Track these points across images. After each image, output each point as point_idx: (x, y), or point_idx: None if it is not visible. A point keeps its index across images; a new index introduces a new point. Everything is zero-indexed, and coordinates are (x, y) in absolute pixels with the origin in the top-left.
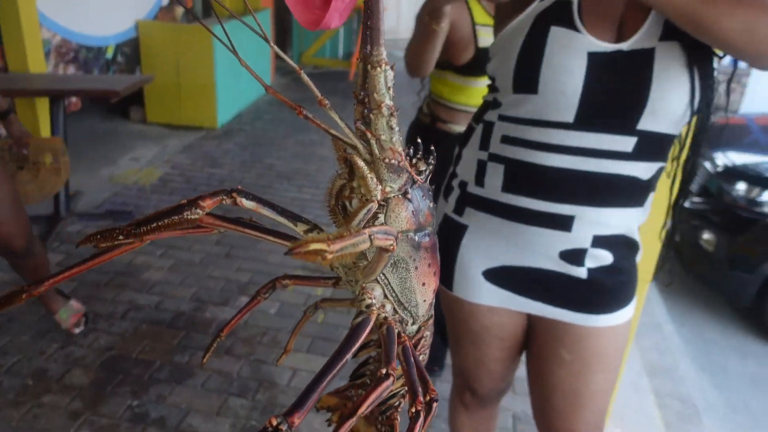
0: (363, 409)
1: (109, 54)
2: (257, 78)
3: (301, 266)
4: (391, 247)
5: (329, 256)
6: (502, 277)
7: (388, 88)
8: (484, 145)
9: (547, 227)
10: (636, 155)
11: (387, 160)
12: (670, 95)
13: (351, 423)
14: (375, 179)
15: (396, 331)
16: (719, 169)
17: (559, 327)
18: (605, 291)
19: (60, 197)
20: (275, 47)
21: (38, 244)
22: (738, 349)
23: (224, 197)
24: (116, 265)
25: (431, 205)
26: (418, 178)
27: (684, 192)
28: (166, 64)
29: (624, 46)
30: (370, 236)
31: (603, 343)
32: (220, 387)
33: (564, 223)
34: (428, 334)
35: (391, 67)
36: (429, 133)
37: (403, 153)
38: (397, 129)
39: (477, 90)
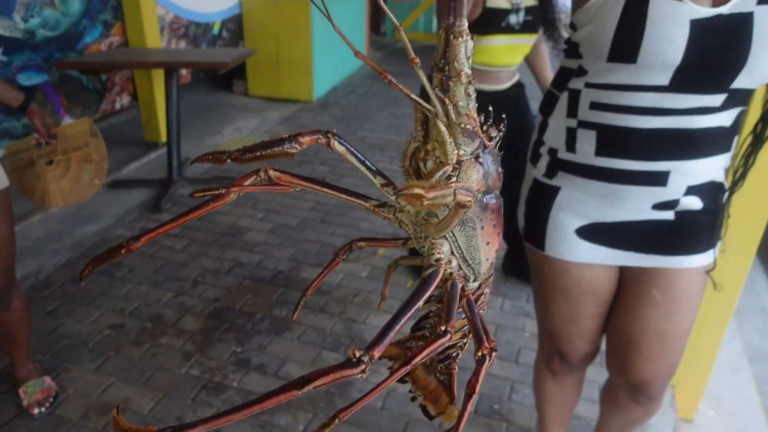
0: (417, 361)
1: (216, 30)
2: (347, 42)
3: (383, 232)
4: (469, 203)
5: (425, 202)
6: (595, 233)
7: (468, 58)
8: (572, 112)
9: (643, 185)
10: (723, 107)
11: (463, 125)
12: (767, 57)
13: (404, 371)
14: (452, 143)
15: (460, 286)
16: None
17: (651, 271)
18: (692, 233)
19: (173, 163)
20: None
21: (21, 297)
22: None
23: (320, 136)
24: (221, 226)
25: (500, 169)
26: (489, 143)
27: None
28: (267, 38)
29: (724, 9)
30: (455, 190)
31: (691, 284)
32: (314, 341)
33: (660, 179)
34: (488, 291)
35: (472, 38)
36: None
37: (477, 119)
38: (474, 96)
39: (482, 48)
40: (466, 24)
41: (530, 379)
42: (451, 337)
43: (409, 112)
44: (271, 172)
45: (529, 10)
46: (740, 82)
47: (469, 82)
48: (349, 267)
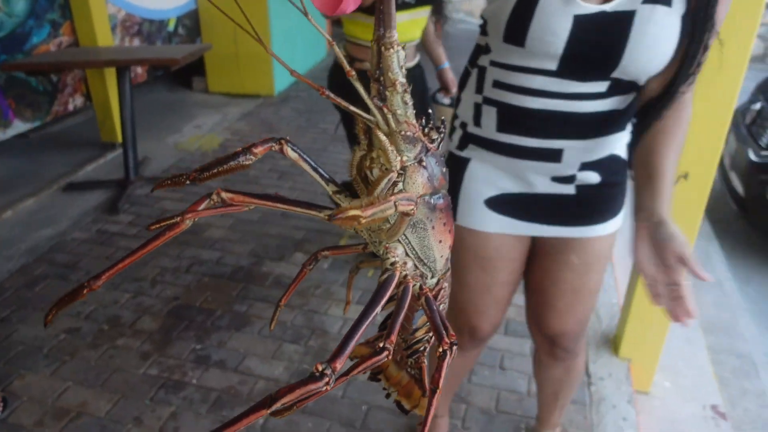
0: (353, 374)
1: (171, 26)
2: (282, 63)
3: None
4: (412, 212)
5: (363, 221)
6: (503, 204)
7: (401, 67)
8: (479, 88)
9: (539, 161)
10: (610, 94)
11: (403, 133)
12: (643, 56)
13: (342, 381)
14: (394, 151)
15: (414, 288)
16: None
17: (566, 240)
18: (596, 204)
19: (129, 163)
20: (312, 20)
21: None
22: None
23: (273, 144)
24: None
25: (444, 170)
26: (431, 146)
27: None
28: (225, 34)
29: (607, 7)
30: (395, 203)
31: (603, 248)
32: (275, 334)
33: (554, 156)
34: (446, 285)
35: (402, 48)
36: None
37: (417, 125)
38: (410, 103)
39: None
40: (396, 35)
41: (490, 361)
42: (389, 354)
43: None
44: (224, 194)
45: None
46: (619, 74)
47: (405, 91)
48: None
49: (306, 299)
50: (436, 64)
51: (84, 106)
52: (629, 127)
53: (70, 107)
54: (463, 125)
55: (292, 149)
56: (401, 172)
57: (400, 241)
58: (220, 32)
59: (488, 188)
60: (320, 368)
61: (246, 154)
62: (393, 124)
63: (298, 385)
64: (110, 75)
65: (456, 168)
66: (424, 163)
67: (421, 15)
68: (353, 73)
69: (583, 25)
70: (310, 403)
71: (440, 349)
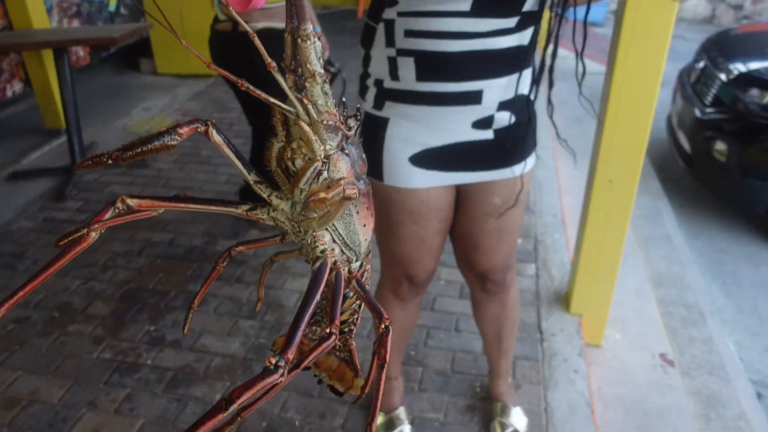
0: (307, 362)
1: (112, 6)
2: (197, 56)
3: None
4: (355, 196)
5: (327, 203)
6: (426, 159)
7: (319, 58)
8: (390, 42)
9: (461, 104)
10: (518, 28)
11: (325, 122)
12: None
13: (297, 372)
14: (318, 140)
15: (343, 279)
16: (732, 77)
17: (488, 184)
18: (513, 145)
19: (75, 149)
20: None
21: None
22: (751, 258)
23: (199, 126)
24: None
25: (363, 156)
26: (350, 133)
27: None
28: (169, 13)
29: None
30: (344, 187)
31: (519, 186)
32: (230, 311)
33: (475, 98)
34: (369, 267)
35: (318, 38)
36: (231, 38)
37: (336, 114)
38: (330, 93)
39: None
40: (311, 27)
41: (446, 324)
42: (336, 338)
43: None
44: (129, 201)
45: None
46: (527, 6)
47: (324, 81)
48: (264, 236)
49: (260, 275)
50: None
51: (24, 92)
52: (531, 67)
53: (9, 93)
54: (378, 82)
55: (217, 133)
56: (325, 160)
57: (327, 229)
58: (165, 11)
59: (410, 146)
60: (273, 361)
61: (171, 135)
62: (314, 115)
63: (254, 381)
64: (48, 58)
65: (375, 128)
66: (346, 151)
67: None
68: (274, 65)
69: None
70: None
71: (382, 326)
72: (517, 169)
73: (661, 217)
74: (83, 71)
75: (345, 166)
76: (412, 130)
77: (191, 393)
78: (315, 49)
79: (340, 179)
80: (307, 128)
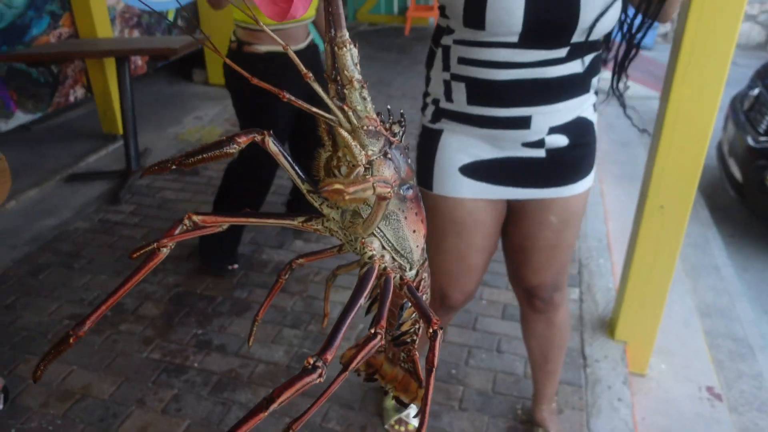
0: (355, 365)
1: (171, 18)
2: (238, 69)
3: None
4: (389, 194)
5: (347, 197)
6: (477, 170)
7: (356, 64)
8: (446, 66)
9: (509, 129)
10: (570, 58)
11: (365, 128)
12: (594, 16)
13: (344, 377)
14: (358, 146)
15: (395, 279)
16: None
17: (544, 202)
18: (566, 165)
19: (130, 154)
20: (267, 30)
21: None
22: None
23: (256, 135)
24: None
25: (409, 161)
26: (394, 139)
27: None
28: (224, 26)
29: None
30: (373, 184)
31: (577, 205)
32: (275, 319)
33: (524, 123)
34: (426, 275)
35: (355, 45)
36: (239, 57)
37: (377, 119)
38: (369, 99)
39: None
40: (347, 34)
41: (487, 344)
42: (382, 338)
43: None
44: (195, 218)
45: None
46: (576, 38)
47: (362, 87)
48: (309, 246)
49: (305, 285)
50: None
51: (85, 97)
52: (593, 89)
53: (72, 99)
54: (435, 101)
55: (273, 143)
56: (368, 166)
57: (375, 235)
58: (220, 24)
59: (462, 156)
60: (311, 361)
61: (230, 144)
62: (354, 121)
63: (293, 381)
64: (110, 66)
65: (429, 139)
66: (389, 156)
67: None
68: (310, 75)
69: (535, 0)
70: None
71: (430, 330)
72: (573, 189)
73: (710, 246)
74: (139, 79)
75: (389, 171)
76: (465, 142)
77: (236, 397)
78: (351, 56)
79: (367, 177)
80: (345, 134)
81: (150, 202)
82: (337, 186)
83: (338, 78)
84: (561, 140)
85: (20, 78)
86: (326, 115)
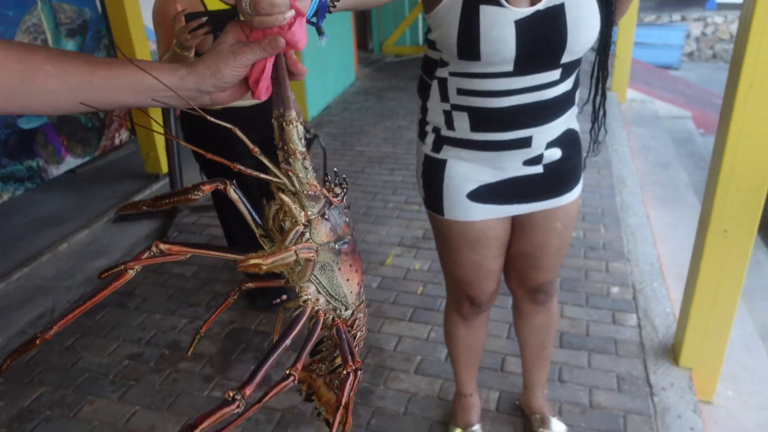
0: (266, 400)
1: None
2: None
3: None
4: (313, 258)
5: (264, 268)
6: (483, 194)
7: (300, 139)
8: (444, 97)
9: (512, 149)
10: (562, 79)
11: (306, 192)
12: (582, 36)
13: (248, 414)
14: (299, 207)
15: (320, 326)
16: None
17: (549, 211)
18: (560, 177)
19: None
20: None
21: None
22: None
23: (219, 184)
24: None
25: (347, 219)
26: (334, 200)
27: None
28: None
29: (540, 6)
30: (295, 252)
31: (575, 209)
32: None
33: (525, 143)
34: (362, 315)
35: (300, 123)
36: (193, 115)
37: (317, 185)
38: (310, 168)
39: None
40: (294, 113)
41: (554, 376)
42: (295, 379)
43: (404, 123)
44: (162, 246)
45: None
46: (567, 58)
47: (305, 158)
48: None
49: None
50: None
51: (128, 140)
52: (577, 100)
53: (117, 141)
54: (436, 129)
55: (234, 191)
56: (306, 224)
57: (311, 281)
58: None
59: (468, 183)
60: (231, 394)
61: (195, 191)
62: (297, 185)
63: (212, 411)
64: (155, 109)
65: (434, 169)
66: (326, 216)
67: None
68: (257, 150)
69: (525, 27)
70: (373, 421)
71: (344, 372)
72: (570, 196)
73: (762, 267)
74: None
75: (325, 230)
76: (469, 169)
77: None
78: (297, 132)
79: (292, 245)
80: (286, 198)
81: (198, 240)
82: (253, 261)
83: (285, 148)
84: (556, 153)
85: (70, 124)
86: (275, 179)
